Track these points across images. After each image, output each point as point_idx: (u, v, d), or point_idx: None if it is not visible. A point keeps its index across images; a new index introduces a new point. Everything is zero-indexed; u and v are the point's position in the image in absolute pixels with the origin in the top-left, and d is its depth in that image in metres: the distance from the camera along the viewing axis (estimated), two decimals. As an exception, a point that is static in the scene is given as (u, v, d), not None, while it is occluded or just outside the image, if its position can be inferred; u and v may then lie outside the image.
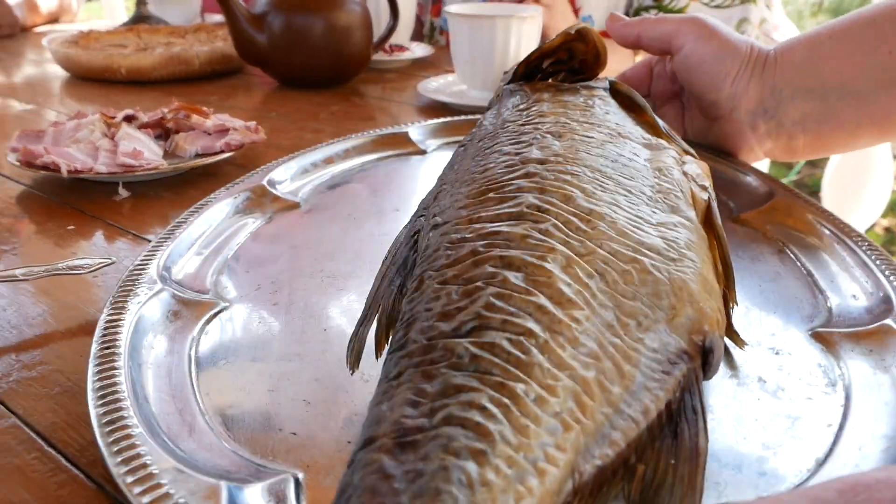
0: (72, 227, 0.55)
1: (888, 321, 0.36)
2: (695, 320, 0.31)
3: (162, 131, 0.74)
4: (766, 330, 0.38)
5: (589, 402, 0.26)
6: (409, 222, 0.40)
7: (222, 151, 0.69)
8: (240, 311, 0.40)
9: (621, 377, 0.28)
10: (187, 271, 0.44)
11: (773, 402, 0.32)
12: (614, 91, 0.54)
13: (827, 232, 0.47)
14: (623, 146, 0.43)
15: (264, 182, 0.56)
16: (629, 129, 0.46)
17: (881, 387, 0.33)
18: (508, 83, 0.58)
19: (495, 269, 0.31)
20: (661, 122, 0.48)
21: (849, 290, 0.41)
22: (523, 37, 0.87)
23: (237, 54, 0.98)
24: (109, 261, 0.39)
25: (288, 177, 0.58)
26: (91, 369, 0.33)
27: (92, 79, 1.06)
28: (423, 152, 0.66)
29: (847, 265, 0.43)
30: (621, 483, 0.25)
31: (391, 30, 1.06)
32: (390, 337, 0.32)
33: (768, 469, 0.29)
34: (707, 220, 0.39)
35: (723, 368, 0.35)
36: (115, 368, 0.33)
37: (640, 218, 0.35)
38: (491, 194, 0.37)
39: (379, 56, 1.10)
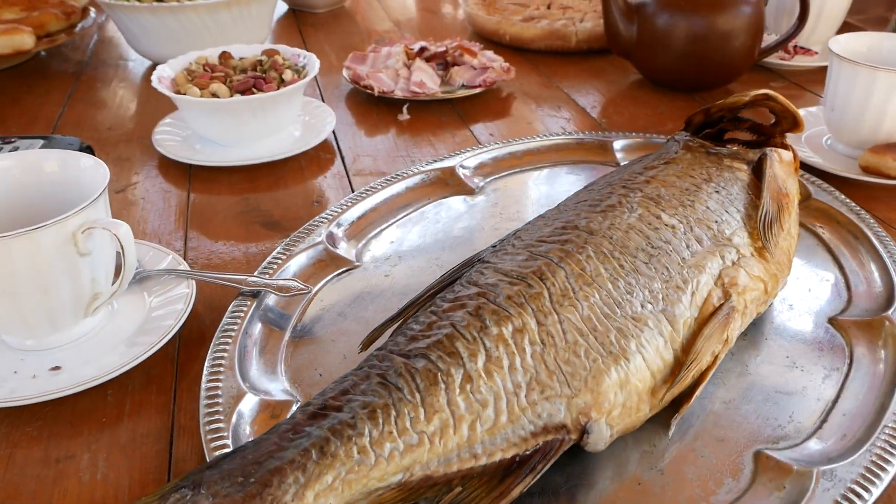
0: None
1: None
2: (589, 405, 0.39)
3: (443, 62, 0.96)
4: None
5: (451, 433, 0.37)
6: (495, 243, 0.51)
7: (480, 86, 0.90)
8: (359, 274, 0.56)
9: (493, 425, 0.38)
10: (350, 233, 0.61)
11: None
12: (761, 165, 0.56)
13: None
14: (683, 235, 0.48)
15: (457, 165, 0.69)
16: (716, 217, 0.50)
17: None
18: (682, 130, 0.62)
19: (467, 315, 0.42)
20: (765, 212, 0.50)
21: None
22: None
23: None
24: (307, 290, 0.53)
25: (477, 163, 0.71)
26: (239, 297, 0.52)
27: (487, 39, 1.14)
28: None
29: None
30: (438, 492, 0.37)
31: (793, 31, 0.92)
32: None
33: None
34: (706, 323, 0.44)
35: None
36: (254, 297, 0.51)
37: (620, 307, 0.43)
38: (527, 250, 0.47)
39: (775, 58, 1.00)
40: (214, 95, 0.70)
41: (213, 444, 0.40)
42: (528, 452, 0.38)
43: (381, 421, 0.37)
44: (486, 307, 0.42)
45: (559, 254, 0.45)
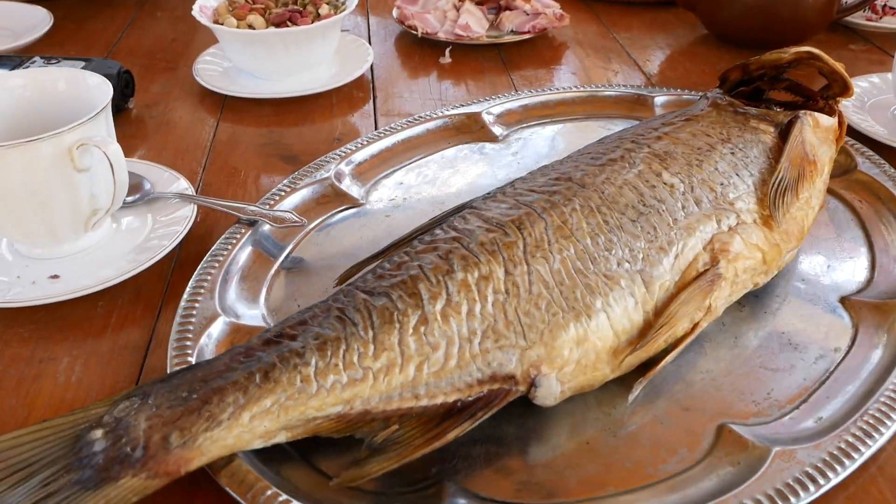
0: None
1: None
2: (541, 357, 0.38)
3: (496, 5, 0.93)
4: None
5: (396, 372, 0.37)
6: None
7: (529, 32, 0.88)
8: (362, 213, 0.57)
9: (440, 369, 0.38)
10: (360, 170, 0.61)
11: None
12: (790, 128, 0.52)
13: None
14: (681, 195, 0.45)
15: (483, 112, 0.68)
16: (722, 180, 0.47)
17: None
18: (717, 87, 0.59)
19: (436, 258, 0.42)
20: (779, 178, 0.47)
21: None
22: None
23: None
24: (301, 223, 0.53)
25: (504, 110, 0.69)
26: (236, 224, 0.53)
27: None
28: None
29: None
30: (375, 427, 0.37)
31: None
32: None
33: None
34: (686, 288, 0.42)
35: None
36: (250, 225, 0.52)
37: (595, 263, 0.41)
38: (514, 199, 0.46)
39: (859, 18, 0.92)
40: (250, 27, 0.70)
41: (175, 361, 0.42)
42: (470, 399, 0.38)
43: (329, 353, 0.37)
44: (457, 252, 0.42)
45: (543, 204, 0.44)
